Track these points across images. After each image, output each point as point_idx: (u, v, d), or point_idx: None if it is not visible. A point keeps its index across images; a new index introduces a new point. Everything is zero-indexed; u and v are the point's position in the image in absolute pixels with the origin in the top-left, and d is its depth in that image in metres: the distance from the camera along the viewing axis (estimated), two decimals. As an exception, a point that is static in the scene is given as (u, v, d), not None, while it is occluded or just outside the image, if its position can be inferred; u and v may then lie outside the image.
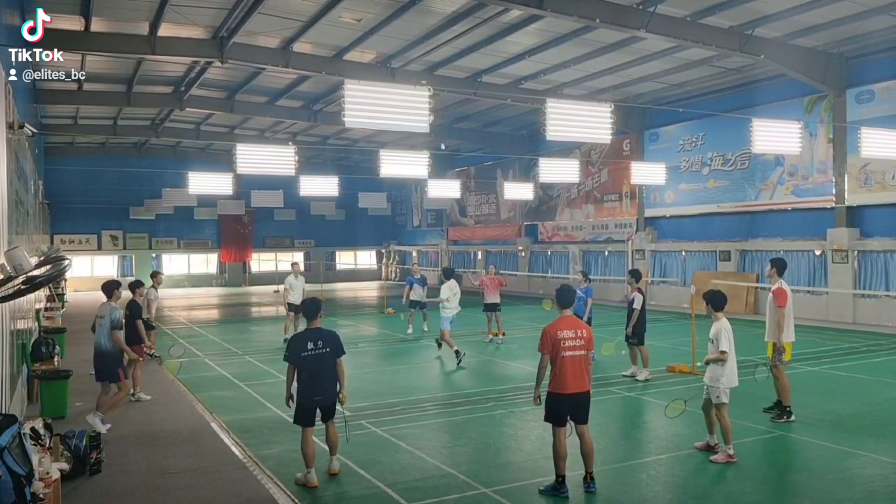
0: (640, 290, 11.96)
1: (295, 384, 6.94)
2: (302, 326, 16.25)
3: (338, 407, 7.16)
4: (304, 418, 6.91)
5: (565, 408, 6.49)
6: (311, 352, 6.84)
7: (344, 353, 7.10)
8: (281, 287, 19.89)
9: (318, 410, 6.98)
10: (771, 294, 9.21)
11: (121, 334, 9.07)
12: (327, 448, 7.20)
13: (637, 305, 11.75)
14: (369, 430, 8.79)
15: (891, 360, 13.59)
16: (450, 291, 14.40)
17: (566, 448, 6.45)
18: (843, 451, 7.48)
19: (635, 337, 11.79)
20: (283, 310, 17.48)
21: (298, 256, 42.99)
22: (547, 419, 6.58)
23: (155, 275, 14.89)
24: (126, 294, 10.58)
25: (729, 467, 7.17)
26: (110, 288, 9.36)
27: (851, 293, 18.80)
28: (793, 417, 8.87)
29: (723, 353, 7.32)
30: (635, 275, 12.25)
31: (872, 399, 10.28)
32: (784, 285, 9.28)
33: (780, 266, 9.44)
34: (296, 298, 16.97)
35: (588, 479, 6.55)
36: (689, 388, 10.66)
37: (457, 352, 13.50)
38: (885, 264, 18.40)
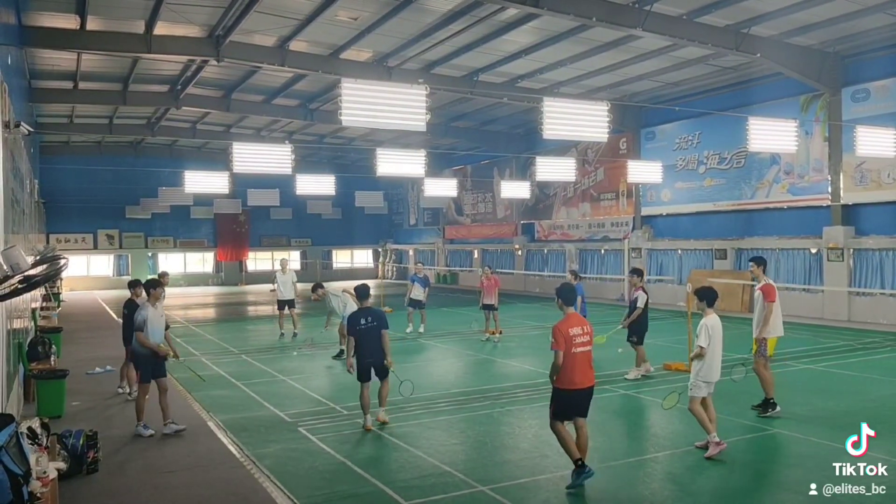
0: (643, 289, 11.97)
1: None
2: (298, 324, 16.19)
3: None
4: (361, 376, 8.64)
5: (575, 403, 6.66)
6: (363, 326, 8.51)
7: (387, 327, 8.73)
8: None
9: (372, 370, 8.69)
10: (759, 291, 9.35)
11: (141, 335, 8.67)
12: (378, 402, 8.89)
13: (640, 304, 11.77)
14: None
15: (885, 357, 13.64)
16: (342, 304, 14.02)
17: (569, 434, 6.66)
18: (838, 448, 7.49)
19: (635, 336, 11.81)
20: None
21: (295, 255, 43.03)
22: (557, 417, 6.69)
23: (162, 276, 14.85)
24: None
25: (724, 464, 7.19)
26: (147, 286, 9.13)
27: (846, 291, 18.87)
28: (777, 409, 8.98)
29: (700, 348, 7.45)
30: (638, 273, 12.23)
31: (867, 396, 10.33)
32: (770, 281, 9.47)
33: (764, 263, 9.69)
34: (285, 294, 16.99)
35: (581, 465, 6.63)
36: (686, 385, 10.70)
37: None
38: (880, 262, 18.46)
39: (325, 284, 15.01)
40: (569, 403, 6.65)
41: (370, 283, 11.57)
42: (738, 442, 7.88)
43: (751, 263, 9.78)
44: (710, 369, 7.55)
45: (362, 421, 8.76)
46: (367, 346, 8.58)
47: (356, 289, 9.08)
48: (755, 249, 21.55)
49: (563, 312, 6.83)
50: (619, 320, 12.42)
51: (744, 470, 7.11)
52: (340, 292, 14.33)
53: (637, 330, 11.81)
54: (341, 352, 14.11)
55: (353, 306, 14.22)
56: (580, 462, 6.56)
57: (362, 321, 8.57)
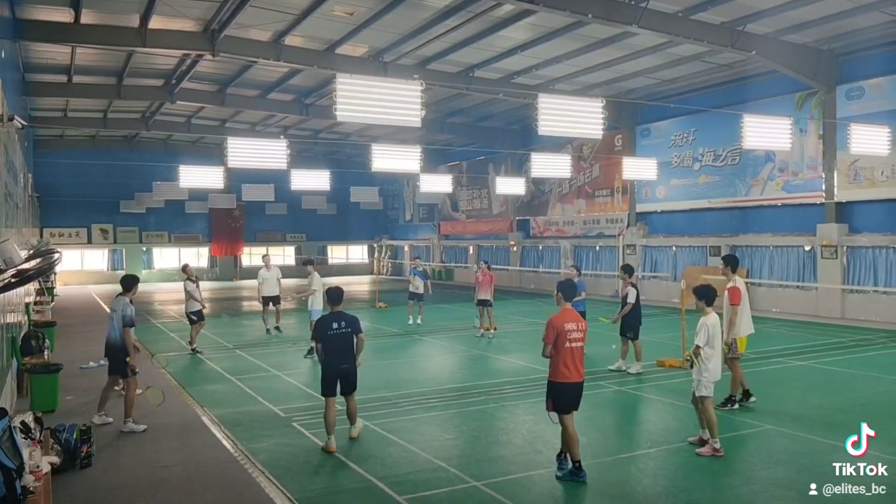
0: (633, 285, 12.08)
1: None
2: (282, 319, 15.82)
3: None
4: (328, 389, 7.92)
5: (570, 397, 6.79)
6: (334, 331, 7.91)
7: (361, 331, 8.14)
8: None
9: (339, 383, 7.96)
10: (726, 291, 9.33)
11: (132, 331, 8.73)
12: (347, 419, 8.19)
13: (631, 299, 11.88)
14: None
15: (878, 354, 13.71)
16: (320, 283, 14.19)
17: (576, 433, 6.74)
18: (831, 444, 7.54)
19: (631, 331, 11.89)
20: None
21: (290, 251, 43.00)
22: (555, 409, 6.82)
23: (184, 268, 14.89)
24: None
25: (717, 461, 7.23)
26: (129, 283, 9.12)
27: (840, 288, 18.94)
28: (737, 406, 9.23)
29: (697, 347, 7.46)
30: (627, 270, 12.37)
31: (860, 393, 10.39)
32: (739, 282, 9.42)
33: (733, 263, 9.60)
34: (269, 291, 16.90)
35: (577, 467, 6.73)
36: (680, 381, 10.75)
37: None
38: (873, 260, 18.53)
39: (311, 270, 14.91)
40: (562, 396, 6.78)
41: (365, 279, 11.51)
42: (731, 438, 7.91)
43: (720, 262, 9.81)
44: (715, 369, 7.56)
45: (324, 443, 7.76)
46: (339, 351, 7.96)
47: (328, 292, 8.27)
48: (750, 247, 21.64)
49: (559, 307, 6.98)
50: (614, 315, 12.45)
51: (737, 466, 7.14)
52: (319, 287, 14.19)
53: (632, 325, 11.93)
54: (311, 349, 13.88)
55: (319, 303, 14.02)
56: (578, 464, 6.70)
57: (334, 325, 7.95)
